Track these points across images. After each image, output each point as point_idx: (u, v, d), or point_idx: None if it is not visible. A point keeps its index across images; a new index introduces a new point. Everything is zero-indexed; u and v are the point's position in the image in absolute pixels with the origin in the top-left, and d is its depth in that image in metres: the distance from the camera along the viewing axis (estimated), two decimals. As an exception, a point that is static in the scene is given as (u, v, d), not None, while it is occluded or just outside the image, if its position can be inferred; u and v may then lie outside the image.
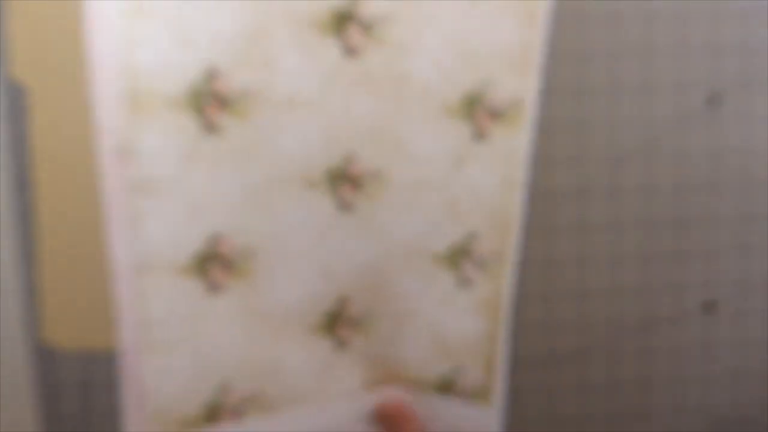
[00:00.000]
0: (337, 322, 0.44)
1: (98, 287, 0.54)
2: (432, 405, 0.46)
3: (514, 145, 0.44)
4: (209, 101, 0.39)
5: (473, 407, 0.47)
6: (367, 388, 0.45)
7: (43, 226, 0.54)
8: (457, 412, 0.46)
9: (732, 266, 0.59)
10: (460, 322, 0.45)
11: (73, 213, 0.54)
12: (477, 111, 0.43)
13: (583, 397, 0.59)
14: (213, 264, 0.41)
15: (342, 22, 0.40)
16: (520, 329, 0.58)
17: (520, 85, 0.44)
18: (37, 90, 0.53)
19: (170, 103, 0.38)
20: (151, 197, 0.39)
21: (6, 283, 0.53)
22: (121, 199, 0.39)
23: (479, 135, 0.43)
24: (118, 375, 0.55)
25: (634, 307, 0.59)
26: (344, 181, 0.42)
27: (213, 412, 0.42)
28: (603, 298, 0.59)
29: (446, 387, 0.46)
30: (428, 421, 0.46)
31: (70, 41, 0.53)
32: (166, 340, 0.40)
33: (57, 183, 0.53)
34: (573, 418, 0.59)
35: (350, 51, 0.41)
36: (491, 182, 0.44)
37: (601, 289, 0.59)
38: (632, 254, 0.59)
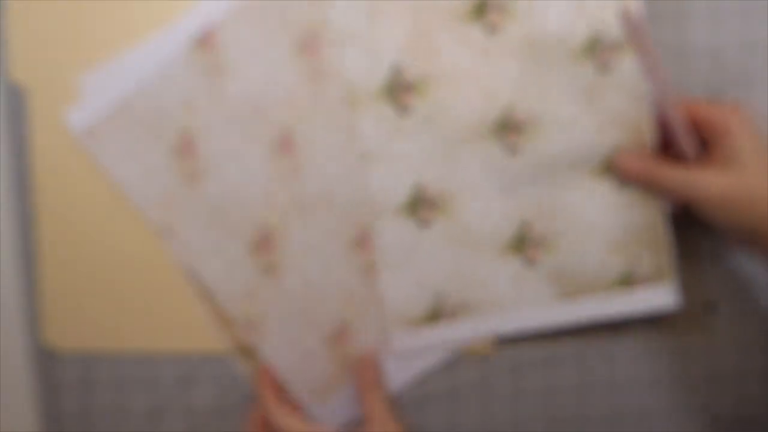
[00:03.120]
0: (523, 243, 0.55)
1: (98, 287, 0.54)
2: (616, 301, 0.55)
3: (633, 69, 0.54)
4: (400, 90, 0.53)
5: (653, 289, 0.55)
6: (557, 300, 0.55)
7: (44, 227, 0.54)
8: (639, 300, 0.55)
9: (733, 267, 0.59)
10: (623, 220, 0.54)
11: (73, 213, 0.54)
12: (598, 49, 0.53)
13: (583, 397, 0.59)
14: (421, 206, 0.54)
15: (481, 9, 0.53)
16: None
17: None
18: (37, 90, 0.53)
19: (375, 96, 0.53)
20: (372, 163, 0.54)
21: (6, 283, 0.53)
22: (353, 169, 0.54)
23: (603, 68, 0.53)
24: (117, 375, 0.55)
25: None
26: (507, 130, 0.54)
27: (434, 315, 0.55)
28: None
29: (627, 281, 0.55)
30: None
31: (70, 41, 0.53)
32: (394, 261, 0.54)
33: (57, 183, 0.53)
34: (573, 418, 0.59)
35: (493, 29, 0.53)
36: (622, 103, 0.53)
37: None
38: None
